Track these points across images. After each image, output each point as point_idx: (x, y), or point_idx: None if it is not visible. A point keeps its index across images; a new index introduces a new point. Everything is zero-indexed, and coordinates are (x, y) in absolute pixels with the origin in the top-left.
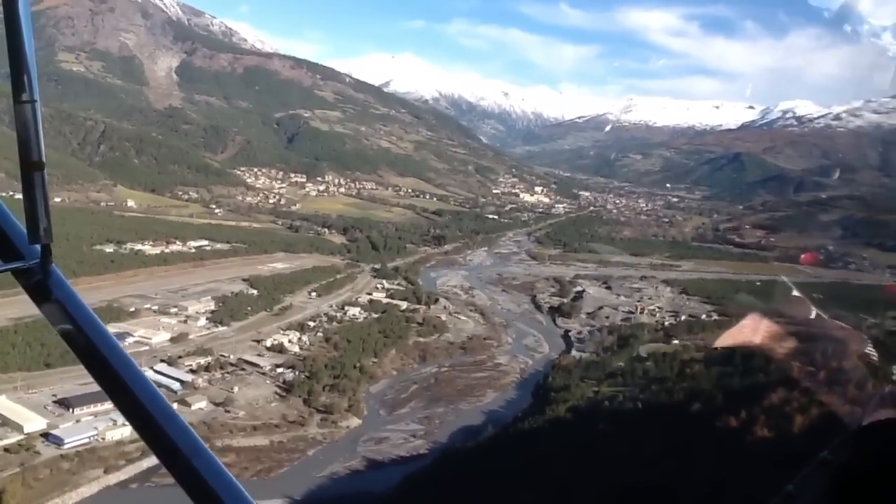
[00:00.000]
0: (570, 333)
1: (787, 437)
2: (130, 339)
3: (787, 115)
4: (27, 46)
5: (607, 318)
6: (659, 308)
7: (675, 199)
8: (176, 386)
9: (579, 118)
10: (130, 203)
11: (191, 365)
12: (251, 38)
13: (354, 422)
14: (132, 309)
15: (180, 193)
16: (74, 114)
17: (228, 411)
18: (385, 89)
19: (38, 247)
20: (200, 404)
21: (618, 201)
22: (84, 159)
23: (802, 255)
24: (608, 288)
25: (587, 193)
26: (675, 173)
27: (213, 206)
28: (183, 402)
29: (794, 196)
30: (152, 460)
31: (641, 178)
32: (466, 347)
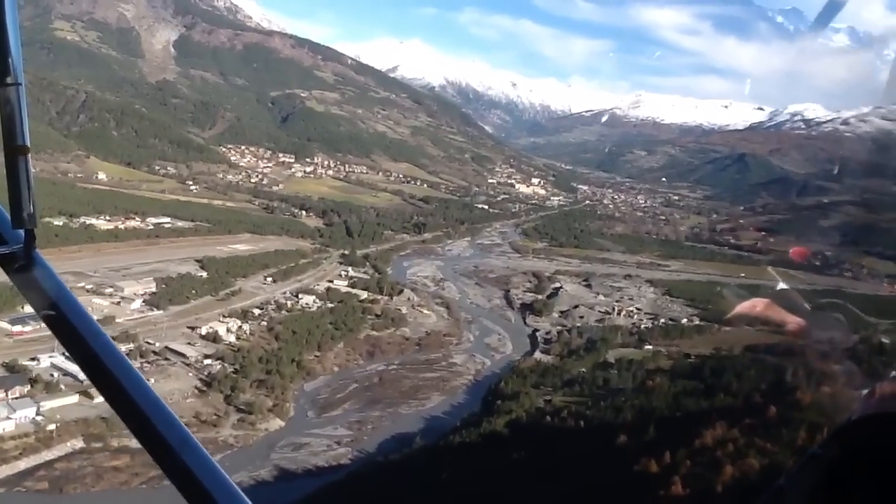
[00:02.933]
0: (537, 333)
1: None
2: None
3: (796, 118)
4: (11, 28)
5: (581, 317)
6: (638, 309)
7: (675, 197)
8: (82, 375)
9: (586, 112)
10: (101, 175)
11: None
12: (258, 17)
13: (276, 424)
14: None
15: (157, 168)
16: (55, 82)
17: None
18: (392, 74)
19: (21, 232)
20: None
21: (616, 196)
22: (62, 129)
23: (792, 249)
24: (588, 286)
25: (585, 187)
26: (679, 171)
27: (190, 183)
28: (85, 394)
29: (796, 199)
30: (29, 461)
31: (644, 175)
32: (422, 344)
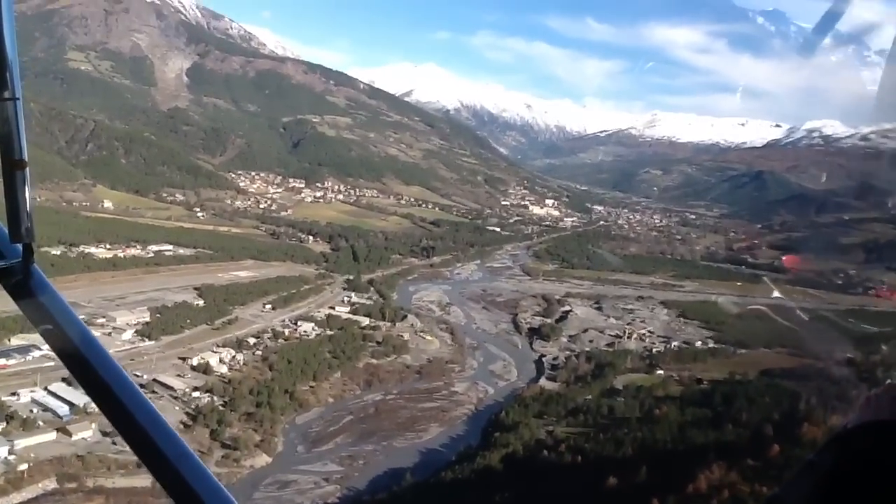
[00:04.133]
0: (544, 359)
1: None
2: (36, 353)
3: (814, 135)
4: (8, 43)
5: (591, 341)
6: (650, 332)
7: (691, 216)
8: (64, 410)
9: (601, 132)
10: (107, 204)
11: None
12: (272, 44)
13: (262, 460)
14: None
15: (165, 195)
16: (65, 111)
17: (115, 443)
18: (407, 98)
19: (19, 246)
20: (85, 434)
21: (631, 216)
22: (70, 158)
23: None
24: (598, 308)
25: (600, 208)
26: (696, 189)
27: (197, 210)
28: (64, 430)
29: (815, 216)
30: None
31: (661, 194)
32: (423, 372)
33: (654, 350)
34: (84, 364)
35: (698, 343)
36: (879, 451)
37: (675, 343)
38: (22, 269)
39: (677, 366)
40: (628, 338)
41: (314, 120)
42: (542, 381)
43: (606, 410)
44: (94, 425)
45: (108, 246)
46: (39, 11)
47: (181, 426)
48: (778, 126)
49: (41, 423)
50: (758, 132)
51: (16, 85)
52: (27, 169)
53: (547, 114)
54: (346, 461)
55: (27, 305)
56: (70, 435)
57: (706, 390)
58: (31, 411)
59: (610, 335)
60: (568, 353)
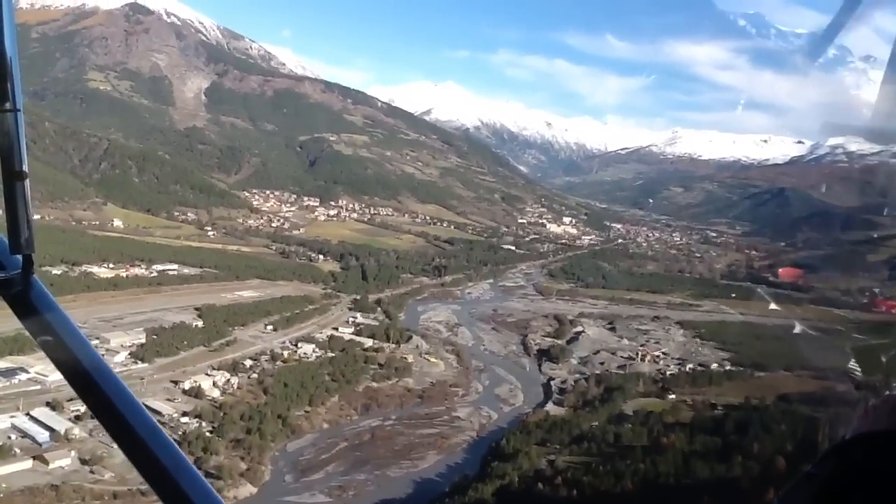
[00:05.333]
0: (552, 382)
1: None
2: (23, 376)
3: (837, 151)
4: (10, 54)
5: (602, 363)
6: (664, 354)
7: (712, 234)
8: (43, 437)
9: (622, 150)
10: (117, 222)
11: (78, 410)
12: (292, 64)
13: (246, 490)
14: None
15: (177, 214)
16: (79, 130)
17: (93, 472)
18: (426, 117)
19: (19, 257)
20: (62, 462)
21: (650, 234)
22: (83, 177)
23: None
24: (612, 329)
25: (619, 226)
26: (717, 207)
27: (208, 228)
28: (41, 458)
29: (840, 234)
30: None
31: (681, 212)
32: (425, 396)
33: (667, 373)
34: (84, 376)
35: (714, 365)
36: (878, 462)
37: (690, 365)
38: (22, 280)
39: (691, 389)
40: (641, 360)
41: (331, 138)
42: (549, 406)
43: (612, 438)
44: (73, 453)
45: (111, 265)
46: (61, 32)
47: None
48: (801, 142)
49: (17, 451)
50: (780, 149)
51: (17, 96)
52: (27, 180)
53: (567, 131)
54: (336, 492)
55: (27, 317)
56: (47, 463)
57: (718, 417)
58: (9, 437)
59: (622, 357)
60: (578, 375)
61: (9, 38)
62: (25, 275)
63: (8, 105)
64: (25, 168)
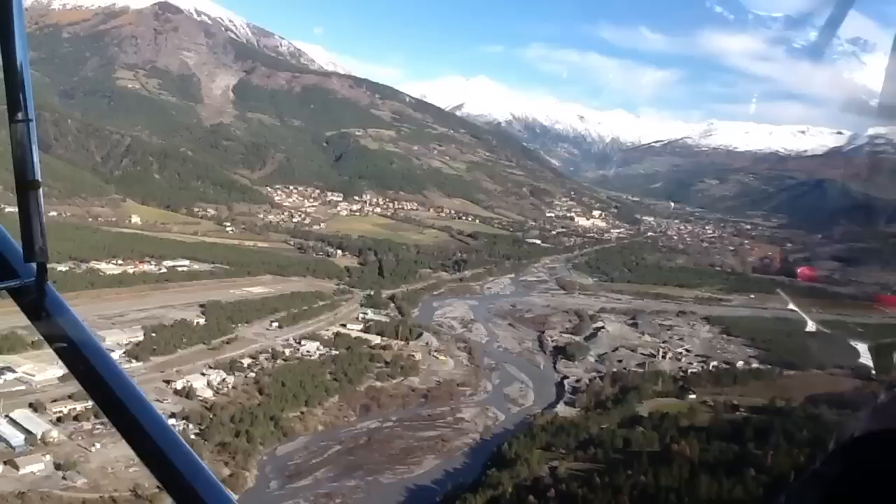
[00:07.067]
0: (566, 381)
1: None
2: (10, 376)
3: (878, 141)
4: (22, 65)
5: (620, 361)
6: (688, 351)
7: (747, 227)
8: (18, 440)
9: (656, 142)
10: (135, 219)
11: (60, 412)
12: (322, 60)
13: None
14: (36, 338)
15: (197, 210)
16: (101, 128)
17: (66, 478)
18: (458, 112)
19: (33, 265)
20: (35, 467)
21: (682, 227)
22: (104, 174)
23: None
24: (634, 324)
25: (650, 219)
26: (753, 199)
27: (227, 224)
28: (11, 463)
29: (884, 226)
30: None
31: (716, 204)
32: (430, 395)
33: (689, 371)
34: (98, 382)
35: (740, 363)
36: (886, 461)
37: (713, 363)
38: (36, 287)
39: (713, 389)
40: (662, 357)
41: (357, 133)
42: (560, 407)
43: (621, 443)
44: (47, 457)
45: (119, 262)
46: (92, 32)
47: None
48: (840, 133)
49: None
50: (818, 140)
51: (29, 107)
52: (41, 189)
53: (600, 125)
54: (322, 500)
55: (42, 324)
56: (17, 469)
57: (738, 421)
58: None
59: (643, 354)
60: (593, 374)
61: (20, 50)
62: (40, 282)
63: (20, 115)
64: (39, 177)
